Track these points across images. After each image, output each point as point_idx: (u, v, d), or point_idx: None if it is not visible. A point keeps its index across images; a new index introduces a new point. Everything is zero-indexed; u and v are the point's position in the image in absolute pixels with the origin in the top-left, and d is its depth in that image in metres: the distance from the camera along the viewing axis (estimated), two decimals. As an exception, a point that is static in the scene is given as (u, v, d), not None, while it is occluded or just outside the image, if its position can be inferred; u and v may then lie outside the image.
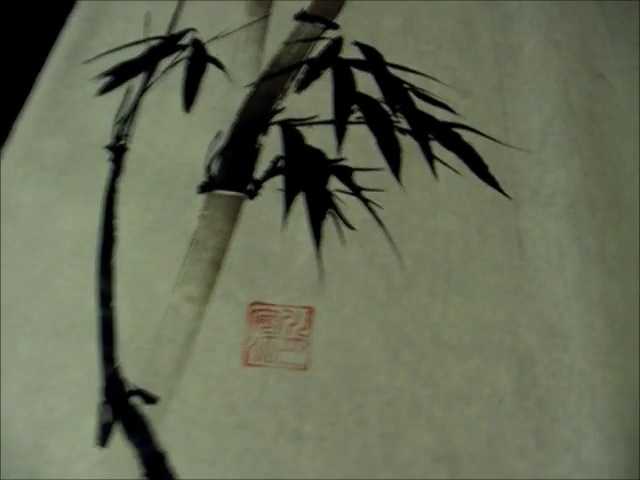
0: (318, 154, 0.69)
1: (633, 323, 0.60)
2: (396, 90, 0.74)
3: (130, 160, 0.70)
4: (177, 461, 0.54)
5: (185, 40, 0.80)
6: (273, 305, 0.61)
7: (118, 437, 0.55)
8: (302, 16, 0.82)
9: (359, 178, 0.68)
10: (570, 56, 0.78)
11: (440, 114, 0.73)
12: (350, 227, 0.65)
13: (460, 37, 0.81)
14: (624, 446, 0.53)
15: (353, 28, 0.81)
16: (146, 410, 0.56)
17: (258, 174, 0.68)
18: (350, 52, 0.78)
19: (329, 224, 0.65)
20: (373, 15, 0.83)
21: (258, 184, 0.67)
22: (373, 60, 0.77)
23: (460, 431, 0.54)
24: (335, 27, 0.81)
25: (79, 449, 0.55)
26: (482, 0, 0.84)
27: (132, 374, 0.57)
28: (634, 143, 0.72)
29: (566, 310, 0.60)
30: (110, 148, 0.71)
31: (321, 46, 0.79)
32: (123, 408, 0.56)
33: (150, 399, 0.56)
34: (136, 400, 0.56)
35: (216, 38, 0.79)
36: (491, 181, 0.68)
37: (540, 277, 0.62)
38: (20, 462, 0.54)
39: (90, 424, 0.55)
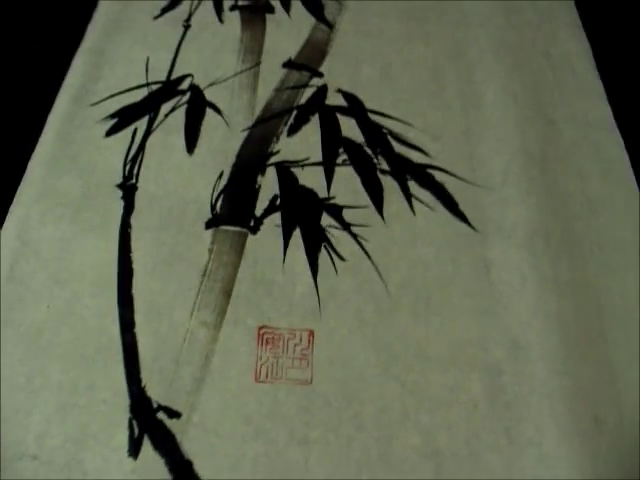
0: (311, 193, 0.80)
1: (584, 337, 0.72)
2: (376, 134, 0.86)
3: (141, 198, 0.79)
4: (201, 468, 0.63)
5: (184, 85, 0.90)
6: (278, 329, 0.71)
7: (147, 449, 0.64)
8: (289, 64, 0.93)
9: (347, 214, 0.79)
10: (525, 104, 0.92)
11: (415, 156, 0.85)
12: (342, 259, 0.76)
13: (430, 86, 0.93)
14: (578, 440, 0.65)
15: (335, 76, 0.93)
16: (171, 424, 0.65)
17: (258, 211, 0.79)
18: (334, 98, 0.90)
19: (323, 256, 0.76)
20: (353, 64, 0.94)
21: (259, 220, 0.77)
22: (355, 106, 0.88)
23: (443, 432, 0.65)
24: (320, 75, 0.92)
25: (112, 461, 0.63)
26: (448, 52, 0.97)
27: (156, 393, 0.66)
28: (580, 182, 0.86)
29: (527, 327, 0.72)
30: (121, 187, 0.80)
31: (308, 93, 0.91)
32: (150, 423, 0.65)
33: (174, 414, 0.65)
34: (161, 415, 0.66)
35: (213, 84, 0.90)
36: (461, 216, 0.80)
37: (505, 300, 0.74)
38: (58, 475, 0.62)
39: (121, 438, 0.64)
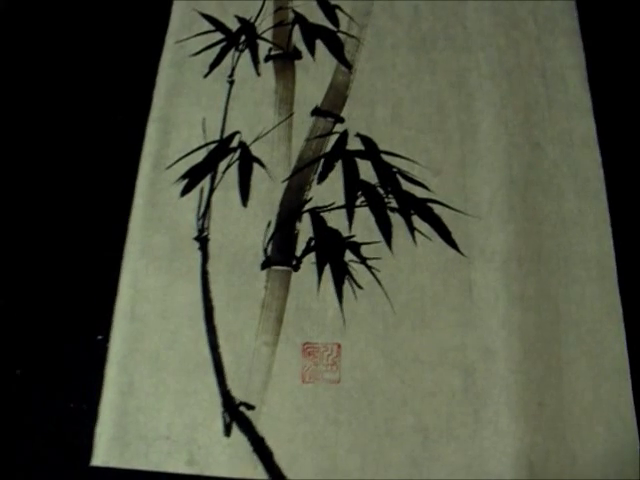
0: (337, 234, 1.19)
1: (540, 341, 1.09)
2: (387, 174, 1.21)
3: (212, 247, 1.20)
4: (269, 441, 1.08)
5: (234, 142, 1.27)
6: (316, 344, 1.14)
7: (235, 430, 1.12)
8: (317, 111, 1.28)
9: (363, 249, 1.18)
10: (515, 131, 1.22)
11: (418, 191, 1.21)
12: (360, 287, 1.16)
13: (434, 119, 1.25)
14: (524, 419, 1.04)
15: (354, 119, 1.27)
16: (248, 414, 1.11)
17: (298, 252, 1.19)
18: (353, 142, 1.25)
19: (346, 286, 1.16)
20: (369, 105, 1.28)
21: (299, 260, 1.18)
22: (371, 149, 1.23)
23: (429, 414, 1.07)
24: (342, 120, 1.27)
25: (214, 439, 1.10)
26: (451, 80, 1.28)
27: (237, 393, 1.12)
28: (556, 202, 1.18)
29: (496, 336, 1.09)
30: (197, 239, 1.22)
31: (332, 138, 1.26)
32: (235, 414, 1.11)
33: (250, 407, 1.11)
34: (242, 408, 1.12)
35: (257, 139, 1.27)
36: (453, 244, 1.17)
37: (482, 314, 1.11)
38: (182, 447, 1.12)
39: (218, 424, 1.10)
